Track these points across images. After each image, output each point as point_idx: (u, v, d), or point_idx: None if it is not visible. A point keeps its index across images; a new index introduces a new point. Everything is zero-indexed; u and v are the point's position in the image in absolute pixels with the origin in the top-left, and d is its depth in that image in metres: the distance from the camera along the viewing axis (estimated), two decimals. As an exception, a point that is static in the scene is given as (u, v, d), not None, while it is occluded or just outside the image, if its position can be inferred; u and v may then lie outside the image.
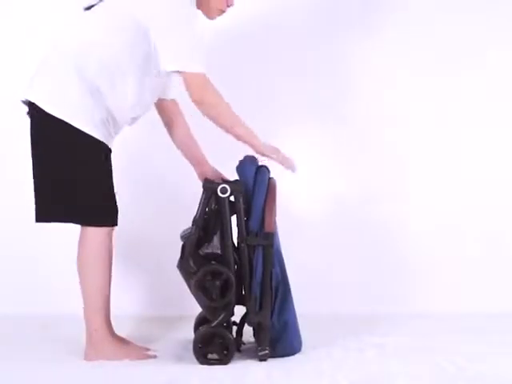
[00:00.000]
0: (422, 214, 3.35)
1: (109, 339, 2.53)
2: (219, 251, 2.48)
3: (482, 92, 3.37)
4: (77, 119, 2.42)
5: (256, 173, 2.55)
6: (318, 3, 3.37)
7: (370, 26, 3.35)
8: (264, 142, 2.55)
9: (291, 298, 2.54)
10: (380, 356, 2.52)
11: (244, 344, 2.57)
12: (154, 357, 2.55)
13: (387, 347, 2.62)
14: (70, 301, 3.08)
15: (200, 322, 2.62)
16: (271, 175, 2.62)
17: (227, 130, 2.50)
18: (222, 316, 2.46)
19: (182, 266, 2.49)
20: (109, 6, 2.47)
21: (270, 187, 2.56)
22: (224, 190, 2.47)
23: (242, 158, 2.61)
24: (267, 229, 2.46)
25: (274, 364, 2.43)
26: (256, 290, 2.45)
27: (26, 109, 2.50)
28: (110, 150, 2.51)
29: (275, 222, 2.52)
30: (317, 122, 3.37)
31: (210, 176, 2.68)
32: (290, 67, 3.35)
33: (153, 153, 3.31)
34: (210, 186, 2.50)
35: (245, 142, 2.53)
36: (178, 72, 2.44)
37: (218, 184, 2.49)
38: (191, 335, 2.56)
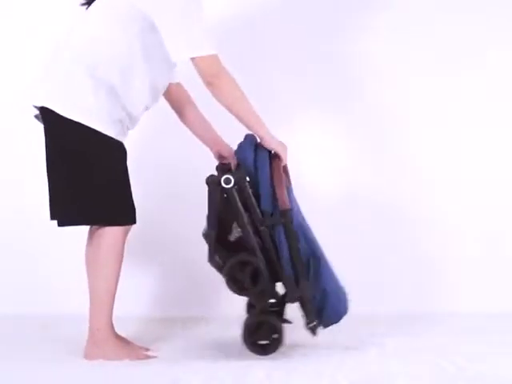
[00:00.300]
0: (422, 213, 3.35)
1: (111, 339, 2.54)
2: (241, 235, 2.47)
3: (482, 92, 3.37)
4: (94, 120, 2.40)
5: (255, 151, 2.51)
6: (318, 2, 3.38)
7: (370, 26, 3.36)
8: (273, 136, 2.55)
9: (325, 263, 2.52)
10: (380, 356, 2.52)
11: (290, 323, 2.57)
12: (155, 357, 2.56)
13: (387, 347, 2.62)
14: (70, 301, 3.10)
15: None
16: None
17: (237, 115, 2.48)
18: (262, 303, 2.46)
19: (211, 260, 2.49)
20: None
21: (272, 163, 2.53)
22: (228, 181, 2.44)
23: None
24: (282, 206, 2.43)
25: (274, 364, 2.42)
26: (288, 268, 2.44)
27: (33, 112, 2.49)
28: (125, 150, 2.51)
29: (291, 196, 2.50)
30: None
31: (226, 154, 2.69)
32: (290, 64, 3.36)
33: (157, 153, 3.31)
34: (212, 179, 2.47)
35: (252, 130, 2.52)
36: (190, 58, 2.41)
37: (221, 175, 2.46)
38: (193, 335, 2.57)
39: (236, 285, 2.43)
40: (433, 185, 3.36)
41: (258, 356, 2.44)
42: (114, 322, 2.57)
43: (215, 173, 2.51)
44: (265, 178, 2.48)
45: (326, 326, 2.53)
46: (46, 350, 2.64)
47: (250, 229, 2.45)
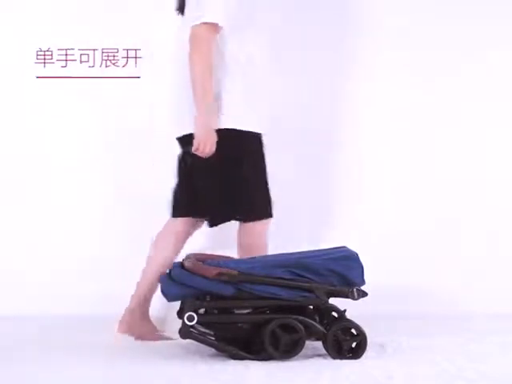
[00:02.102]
0: (420, 213, 3.36)
1: (141, 320, 2.74)
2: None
3: (483, 92, 3.38)
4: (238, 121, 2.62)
5: (175, 278, 2.53)
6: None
7: (371, 27, 3.36)
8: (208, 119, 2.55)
9: (303, 256, 2.57)
10: (380, 356, 2.53)
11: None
12: (171, 339, 2.69)
13: (387, 347, 2.63)
14: (70, 301, 3.10)
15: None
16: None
17: (192, 81, 2.54)
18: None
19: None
20: None
21: (185, 266, 2.54)
22: (191, 318, 2.48)
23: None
24: (225, 276, 2.46)
25: (274, 364, 2.43)
26: (292, 294, 2.49)
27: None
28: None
29: (225, 263, 2.53)
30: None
31: None
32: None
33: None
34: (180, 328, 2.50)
35: (195, 103, 2.54)
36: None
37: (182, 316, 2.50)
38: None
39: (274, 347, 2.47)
40: (432, 183, 3.38)
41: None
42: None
43: None
44: (197, 281, 2.48)
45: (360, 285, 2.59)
46: (45, 351, 2.64)
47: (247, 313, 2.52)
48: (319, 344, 2.54)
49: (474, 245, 3.33)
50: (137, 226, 3.40)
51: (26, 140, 3.43)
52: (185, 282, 2.49)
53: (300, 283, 2.51)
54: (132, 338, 2.74)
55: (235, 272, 2.47)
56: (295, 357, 2.47)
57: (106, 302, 3.16)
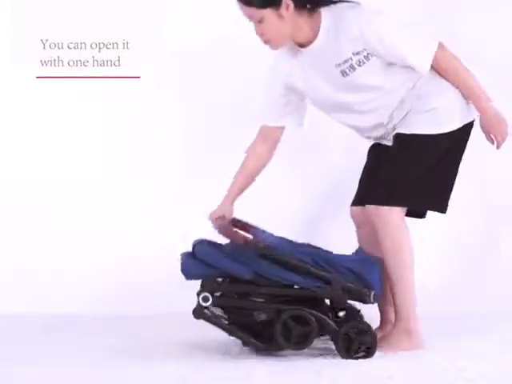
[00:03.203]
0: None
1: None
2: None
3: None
4: None
5: (197, 255, 2.51)
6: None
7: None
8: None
9: (328, 253, 2.55)
10: (380, 356, 2.52)
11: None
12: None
13: (387, 347, 2.63)
14: (70, 301, 3.10)
15: None
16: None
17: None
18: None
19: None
20: None
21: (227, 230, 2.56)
22: (206, 299, 2.48)
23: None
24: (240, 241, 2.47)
25: (275, 363, 2.43)
26: (310, 284, 2.46)
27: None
28: None
29: (257, 233, 2.52)
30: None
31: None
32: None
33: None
34: (195, 308, 2.49)
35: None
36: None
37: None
38: (194, 334, 2.56)
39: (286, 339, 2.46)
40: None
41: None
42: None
43: None
44: (217, 259, 2.47)
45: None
46: (45, 351, 2.64)
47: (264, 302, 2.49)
48: (319, 344, 2.54)
49: (474, 244, 3.33)
50: (137, 226, 3.41)
51: (25, 140, 3.43)
52: (205, 259, 2.46)
53: (320, 271, 2.46)
54: (129, 338, 2.74)
55: (261, 244, 2.44)
56: (295, 357, 2.48)
57: (106, 302, 3.18)
